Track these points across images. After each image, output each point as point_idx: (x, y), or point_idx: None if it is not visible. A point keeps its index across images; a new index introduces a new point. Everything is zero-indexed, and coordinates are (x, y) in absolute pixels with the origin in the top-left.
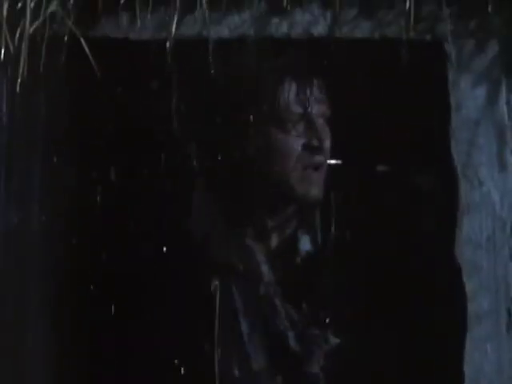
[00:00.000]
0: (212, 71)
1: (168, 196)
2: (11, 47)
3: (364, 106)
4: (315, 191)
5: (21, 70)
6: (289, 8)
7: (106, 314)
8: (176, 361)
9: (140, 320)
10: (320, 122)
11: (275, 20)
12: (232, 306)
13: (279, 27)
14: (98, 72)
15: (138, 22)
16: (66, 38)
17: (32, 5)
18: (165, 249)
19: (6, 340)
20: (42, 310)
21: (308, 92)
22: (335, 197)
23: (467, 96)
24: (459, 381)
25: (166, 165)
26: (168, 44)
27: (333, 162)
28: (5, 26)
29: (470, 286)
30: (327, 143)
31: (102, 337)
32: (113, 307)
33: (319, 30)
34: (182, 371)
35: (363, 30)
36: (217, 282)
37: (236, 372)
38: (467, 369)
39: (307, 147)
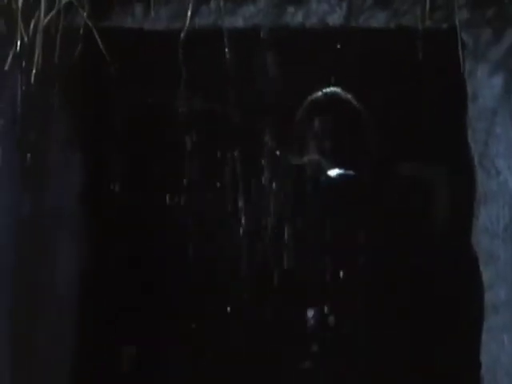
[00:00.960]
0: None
1: None
2: (26, 39)
3: (379, 96)
4: None
5: (35, 61)
6: None
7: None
8: None
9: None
10: None
11: (290, 9)
12: None
13: (294, 17)
14: (112, 62)
15: (152, 12)
16: (80, 29)
17: None
18: None
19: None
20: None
21: None
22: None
23: (484, 85)
24: (476, 371)
25: (181, 149)
26: (182, 34)
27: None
28: (19, 18)
29: (486, 276)
30: None
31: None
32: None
33: (335, 19)
34: None
35: (379, 19)
36: None
37: None
38: (484, 359)
39: None
